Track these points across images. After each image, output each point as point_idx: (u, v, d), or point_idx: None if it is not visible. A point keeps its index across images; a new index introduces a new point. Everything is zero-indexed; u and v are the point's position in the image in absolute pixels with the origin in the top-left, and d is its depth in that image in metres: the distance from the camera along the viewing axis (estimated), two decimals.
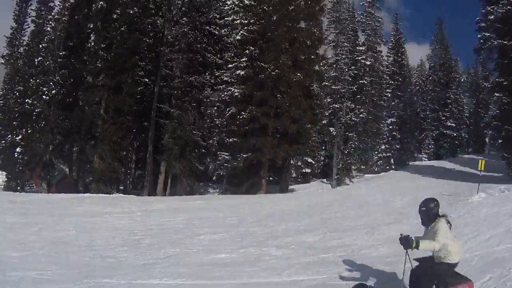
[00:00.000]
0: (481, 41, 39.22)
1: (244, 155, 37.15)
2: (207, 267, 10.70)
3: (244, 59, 38.86)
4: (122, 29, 38.20)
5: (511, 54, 36.22)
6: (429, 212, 7.45)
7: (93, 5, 38.07)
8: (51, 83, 40.87)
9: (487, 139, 47.00)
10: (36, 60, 43.02)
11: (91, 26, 38.69)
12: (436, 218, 7.43)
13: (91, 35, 39.40)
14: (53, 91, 39.90)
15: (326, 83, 49.89)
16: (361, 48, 59.05)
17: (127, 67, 38.31)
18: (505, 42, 36.36)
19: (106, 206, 22.45)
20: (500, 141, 41.20)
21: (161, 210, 22.02)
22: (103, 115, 37.56)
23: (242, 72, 38.19)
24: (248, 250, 12.97)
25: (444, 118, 77.00)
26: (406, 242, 7.02)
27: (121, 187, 44.43)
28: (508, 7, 36.44)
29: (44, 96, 40.40)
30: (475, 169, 38.91)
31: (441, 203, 16.15)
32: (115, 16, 38.69)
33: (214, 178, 43.32)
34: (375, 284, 7.90)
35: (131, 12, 38.47)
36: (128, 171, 45.80)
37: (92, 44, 38.51)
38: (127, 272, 9.70)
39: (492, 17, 37.82)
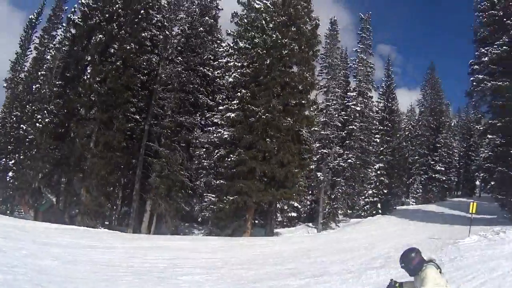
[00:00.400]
0: (474, 83, 39.91)
1: (231, 198, 36.87)
2: None
3: (235, 102, 38.99)
4: (118, 63, 38.12)
5: (506, 95, 36.82)
6: (410, 265, 7.01)
7: (93, 38, 38.18)
8: (45, 111, 40.92)
9: (477, 182, 47.31)
10: (34, 86, 43.22)
11: (89, 58, 38.56)
12: (422, 266, 6.95)
13: (88, 67, 39.20)
14: (47, 120, 39.51)
15: (316, 128, 50.04)
16: (352, 93, 60.50)
17: (120, 103, 38.26)
18: (499, 83, 37.06)
19: (90, 240, 22.23)
20: (492, 183, 41.49)
21: (145, 248, 21.83)
22: (92, 149, 37.32)
23: (233, 115, 38.19)
24: None
25: (433, 162, 78.14)
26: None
27: (107, 223, 44.11)
28: (504, 47, 37.25)
29: (38, 124, 40.38)
30: (465, 212, 39.09)
31: (430, 247, 15.93)
32: (112, 50, 38.73)
33: (200, 219, 43.16)
34: None
35: (128, 47, 38.36)
36: (114, 207, 45.64)
37: (88, 76, 38.26)
38: None
39: (486, 58, 38.82)
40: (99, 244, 20.82)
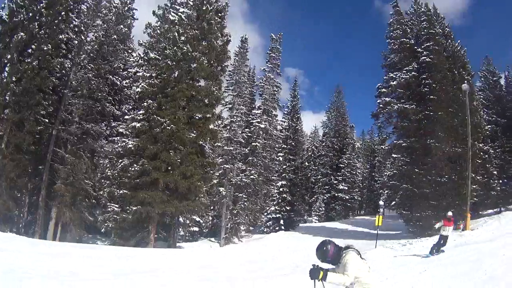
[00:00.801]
0: (381, 105, 41.44)
1: (134, 208, 36.83)
2: None
3: (141, 112, 39.09)
4: (34, 64, 37.34)
5: (411, 117, 38.80)
6: (328, 257, 7.21)
7: (15, 36, 37.32)
8: None
9: (381, 202, 48.62)
10: None
11: (9, 56, 37.39)
12: (341, 253, 7.17)
13: (7, 66, 38.07)
14: None
15: (219, 144, 50.36)
16: (256, 111, 61.04)
17: (32, 104, 37.46)
18: (406, 106, 39.13)
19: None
20: (397, 199, 42.73)
21: (51, 254, 21.01)
22: (3, 150, 36.40)
23: (138, 125, 38.29)
24: None
25: (336, 181, 79.80)
26: (314, 272, 6.83)
27: (14, 230, 42.97)
28: (413, 73, 39.45)
29: None
30: (369, 229, 40.30)
31: None
32: (30, 50, 37.97)
33: (103, 230, 42.31)
34: None
35: (45, 48, 37.77)
36: (21, 215, 44.55)
37: (6, 75, 37.44)
38: None
39: (394, 82, 40.61)
40: (5, 247, 20.11)
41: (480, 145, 41.06)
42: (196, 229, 50.47)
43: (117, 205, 39.54)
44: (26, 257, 18.16)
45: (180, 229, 46.92)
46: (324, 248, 7.19)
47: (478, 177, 39.50)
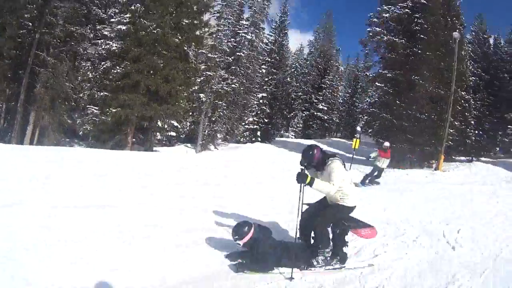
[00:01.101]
0: (370, 34, 40.94)
1: (113, 110, 36.81)
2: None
3: (128, 15, 38.30)
4: None
5: (399, 51, 38.45)
6: (313, 161, 7.35)
7: None
8: None
9: (358, 127, 48.51)
10: None
11: None
12: (326, 160, 7.29)
13: None
14: None
15: (203, 51, 49.92)
16: (244, 22, 60.06)
17: (15, 8, 36.36)
18: (396, 39, 38.83)
19: None
20: (375, 126, 42.86)
21: (32, 159, 20.41)
22: None
23: (124, 27, 37.74)
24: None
25: (316, 101, 79.97)
26: (301, 176, 6.86)
27: None
28: (407, 10, 38.94)
29: None
30: (344, 151, 40.33)
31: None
32: None
33: (81, 133, 42.02)
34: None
35: None
36: None
37: None
38: None
39: (387, 15, 39.98)
40: None
41: (463, 93, 41.24)
42: (173, 134, 49.87)
43: (96, 108, 39.43)
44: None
45: (158, 134, 46.84)
46: (311, 152, 7.37)
47: (456, 123, 39.83)
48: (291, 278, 6.78)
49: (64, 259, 6.39)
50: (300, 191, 7.21)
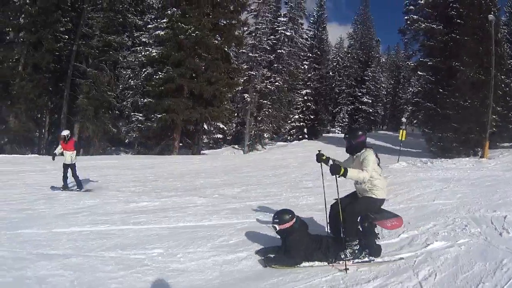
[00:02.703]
0: (408, 22, 40.71)
1: (159, 116, 37.05)
2: (130, 214, 10.37)
3: (164, 20, 38.44)
4: None
5: (437, 37, 37.98)
6: (354, 140, 7.34)
7: None
8: None
9: (403, 119, 48.04)
10: None
11: None
12: (363, 147, 7.31)
13: None
14: None
15: (244, 50, 50.35)
16: (282, 19, 59.77)
17: (49, 22, 36.98)
18: (433, 25, 38.29)
19: (21, 165, 21.64)
20: (420, 117, 42.41)
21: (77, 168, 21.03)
22: (21, 72, 36.19)
23: (162, 33, 37.82)
24: (171, 199, 12.75)
25: (360, 94, 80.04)
26: (334, 168, 6.76)
27: (35, 151, 42.70)
28: None
29: None
30: (392, 144, 39.74)
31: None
32: None
33: (127, 141, 42.29)
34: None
35: None
36: (42, 135, 44.20)
37: None
38: (46, 222, 9.18)
39: (422, 1, 39.66)
40: (31, 168, 20.35)
41: (503, 77, 40.02)
42: (220, 136, 50.28)
43: (141, 115, 39.75)
44: (51, 174, 18.01)
45: (204, 137, 46.96)
46: (359, 132, 7.47)
47: (499, 108, 38.69)
48: (346, 269, 6.71)
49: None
50: (336, 183, 7.10)
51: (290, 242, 7.02)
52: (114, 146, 46.26)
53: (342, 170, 6.69)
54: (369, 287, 6.01)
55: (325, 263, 7.01)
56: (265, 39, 54.58)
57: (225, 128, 48.18)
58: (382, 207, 7.44)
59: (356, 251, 7.12)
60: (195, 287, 5.96)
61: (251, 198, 13.54)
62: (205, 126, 42.96)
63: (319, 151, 7.74)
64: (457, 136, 35.76)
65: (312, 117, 63.17)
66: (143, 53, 39.78)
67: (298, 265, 6.90)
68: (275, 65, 56.23)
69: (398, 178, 18.08)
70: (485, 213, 10.26)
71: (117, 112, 43.15)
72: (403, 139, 31.07)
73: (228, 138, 55.71)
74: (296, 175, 20.36)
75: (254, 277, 6.41)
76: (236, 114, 52.35)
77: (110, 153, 42.62)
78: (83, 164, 22.45)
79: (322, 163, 7.67)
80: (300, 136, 60.54)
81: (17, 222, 9.01)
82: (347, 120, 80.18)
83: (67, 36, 39.67)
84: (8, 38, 37.94)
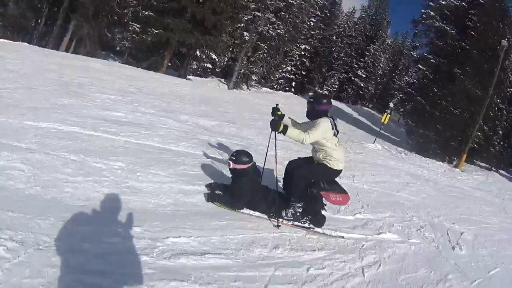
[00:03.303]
0: (424, 16, 41.06)
1: (155, 31, 36.93)
2: (102, 122, 10.54)
3: None
4: None
5: (448, 40, 38.50)
6: (316, 105, 7.24)
7: None
8: None
9: (391, 104, 48.21)
10: None
11: None
12: (322, 116, 7.19)
13: None
14: None
15: None
16: None
17: None
18: (447, 27, 38.93)
19: (10, 52, 20.83)
20: (408, 107, 42.85)
21: (63, 64, 20.75)
22: None
23: None
24: (145, 116, 12.85)
25: (356, 66, 79.73)
26: (274, 124, 6.84)
27: (26, 40, 42.17)
28: (463, 3, 39.00)
29: None
30: (372, 123, 40.10)
31: None
32: None
33: (118, 48, 42.16)
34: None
35: None
36: (37, 25, 43.80)
37: None
38: (19, 112, 9.34)
39: (444, 2, 39.71)
40: (19, 56, 19.84)
41: (498, 100, 40.19)
42: (209, 66, 50.12)
43: (138, 26, 39.52)
44: (36, 64, 18.13)
45: (194, 63, 46.69)
46: (324, 100, 7.31)
47: (486, 128, 38.89)
48: (278, 226, 7.01)
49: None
50: (273, 138, 7.44)
51: (238, 185, 7.18)
52: (104, 51, 46.16)
53: (282, 126, 6.76)
54: (313, 256, 6.29)
55: (265, 216, 7.22)
56: None
57: (217, 59, 48.09)
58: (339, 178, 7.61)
59: (298, 214, 7.31)
60: (147, 209, 6.22)
61: (223, 134, 13.84)
62: (198, 53, 42.87)
63: (276, 105, 7.67)
64: (438, 139, 36.48)
65: (304, 73, 63.32)
66: None
67: (239, 210, 7.15)
68: (283, 13, 55.46)
69: (370, 159, 18.50)
70: (443, 222, 10.66)
71: (116, 17, 42.88)
72: (385, 122, 31.02)
73: (217, 70, 55.59)
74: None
75: (206, 213, 6.69)
76: (231, 49, 52.19)
77: (99, 57, 42.15)
78: (71, 62, 22.67)
79: (276, 133, 7.23)
80: (287, 88, 60.77)
81: None
82: (336, 86, 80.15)
83: None
84: None
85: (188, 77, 44.71)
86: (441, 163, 29.80)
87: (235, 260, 5.52)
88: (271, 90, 57.79)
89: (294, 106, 39.02)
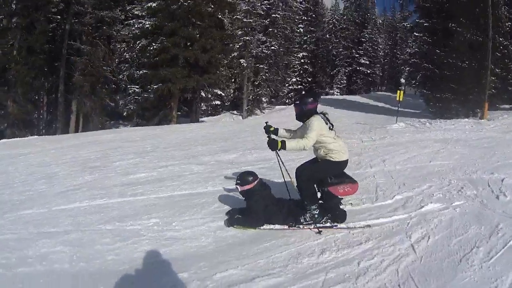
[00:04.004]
0: None
1: (155, 86, 37.49)
2: (128, 186, 10.45)
3: None
4: None
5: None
6: (304, 106, 7.25)
7: None
8: None
9: (402, 79, 47.78)
10: None
11: None
12: (312, 114, 7.20)
13: None
14: None
15: (238, 16, 50.29)
16: None
17: (40, 5, 37.08)
18: None
19: (21, 148, 21.01)
20: (418, 77, 42.46)
21: (75, 145, 21.00)
22: (16, 56, 36.30)
23: (154, 4, 37.88)
24: (168, 168, 12.76)
25: (358, 55, 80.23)
26: (272, 143, 6.95)
27: (35, 132, 42.71)
28: None
29: None
30: (390, 105, 39.71)
31: (359, 130, 15.49)
32: None
33: (125, 114, 42.50)
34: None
35: None
36: (41, 116, 44.35)
37: None
38: (46, 201, 9.27)
39: None
40: (32, 150, 19.84)
41: (501, 39, 39.57)
42: (218, 102, 50.04)
43: (137, 87, 40.33)
44: (51, 153, 18.18)
45: (202, 104, 47.17)
46: (309, 99, 7.35)
47: (498, 70, 38.02)
48: (319, 232, 6.80)
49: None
50: (277, 155, 7.60)
51: (251, 204, 7.23)
52: (112, 120, 46.61)
53: (280, 143, 6.80)
54: (360, 250, 6.07)
55: (285, 227, 7.14)
56: (259, 4, 54.32)
57: (223, 94, 48.24)
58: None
59: (316, 216, 7.18)
60: (190, 254, 6.10)
61: (247, 163, 13.71)
62: (203, 94, 42.90)
63: (266, 123, 7.76)
64: (455, 97, 35.68)
65: (309, 79, 63.69)
66: (136, 26, 39.92)
67: (259, 227, 7.11)
68: (270, 29, 56.13)
69: (396, 139, 18.02)
70: (482, 175, 10.21)
71: (113, 86, 43.41)
72: (401, 99, 30.73)
73: (226, 104, 55.80)
74: None
75: (248, 242, 6.54)
76: (233, 80, 52.76)
77: (109, 127, 42.73)
78: (82, 141, 22.70)
79: (272, 135, 7.51)
80: None
81: (19, 204, 9.10)
82: (345, 81, 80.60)
83: (59, 16, 39.77)
84: (1, 25, 38.01)
85: (201, 119, 45.17)
86: (466, 119, 29.26)
87: (285, 276, 5.37)
88: (284, 106, 57.69)
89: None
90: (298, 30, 63.88)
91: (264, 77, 54.26)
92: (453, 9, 35.53)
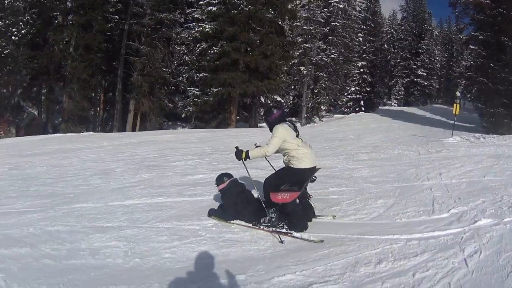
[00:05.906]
0: None
1: (215, 90, 37.41)
2: (186, 187, 10.57)
3: None
4: None
5: (487, 12, 36.75)
6: (269, 118, 7.59)
7: None
8: (20, 23, 38.82)
9: (458, 93, 47.31)
10: (5, 1, 40.76)
11: None
12: (279, 123, 7.39)
13: None
14: (23, 31, 38.24)
15: (298, 24, 50.42)
16: None
17: (98, 4, 37.81)
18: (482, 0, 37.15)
19: (76, 143, 21.95)
20: (473, 91, 41.76)
21: (132, 144, 21.61)
22: (72, 53, 37.08)
23: (214, 8, 38.19)
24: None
25: (415, 66, 78.76)
26: (238, 154, 7.36)
27: (90, 129, 43.38)
28: None
29: (13, 37, 38.36)
30: (446, 118, 39.20)
31: (416, 142, 15.49)
32: None
33: (183, 115, 42.63)
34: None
35: None
36: (97, 113, 44.95)
37: None
38: (102, 196, 9.52)
39: None
40: (87, 146, 20.65)
41: None
42: None
43: (197, 89, 40.07)
44: (107, 150, 18.73)
45: (261, 109, 46.79)
46: (273, 110, 7.76)
47: None
48: (282, 242, 6.75)
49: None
50: (244, 164, 7.75)
51: (224, 200, 7.97)
52: (170, 121, 47.16)
53: (244, 153, 7.27)
54: (416, 261, 6.00)
55: (250, 224, 7.46)
56: (319, 12, 54.27)
57: (282, 101, 48.38)
58: None
59: (273, 220, 7.33)
60: (248, 256, 6.12)
61: None
62: (262, 99, 43.32)
63: (236, 147, 7.70)
64: (508, 112, 35.00)
65: (368, 89, 62.87)
66: (196, 29, 40.10)
67: (231, 221, 7.55)
68: (330, 37, 56.04)
69: (452, 153, 17.80)
70: None
71: (172, 87, 43.92)
72: (457, 113, 30.27)
73: (285, 110, 55.60)
74: (352, 148, 20.19)
75: (307, 248, 6.50)
76: (292, 87, 53.12)
77: (167, 128, 43.39)
78: (140, 140, 23.01)
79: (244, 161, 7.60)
80: (357, 109, 60.16)
81: (72, 197, 9.37)
82: (403, 93, 79.47)
83: (117, 16, 40.64)
84: (56, 21, 38.87)
85: (260, 124, 44.96)
86: None
87: (341, 284, 5.31)
88: (342, 115, 57.47)
89: (370, 124, 38.75)
90: (357, 39, 63.26)
91: (323, 85, 54.19)
92: (505, 23, 34.93)
